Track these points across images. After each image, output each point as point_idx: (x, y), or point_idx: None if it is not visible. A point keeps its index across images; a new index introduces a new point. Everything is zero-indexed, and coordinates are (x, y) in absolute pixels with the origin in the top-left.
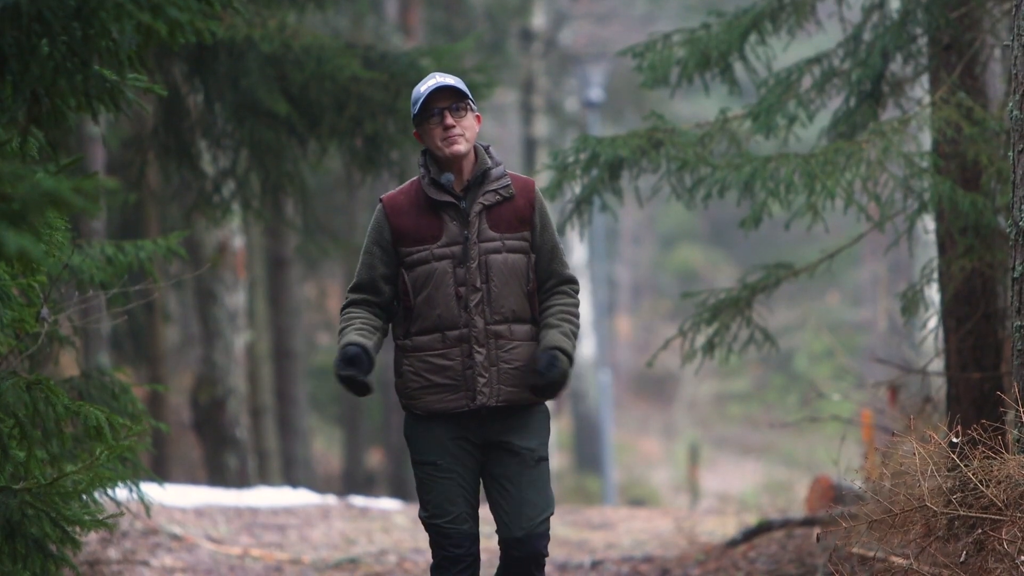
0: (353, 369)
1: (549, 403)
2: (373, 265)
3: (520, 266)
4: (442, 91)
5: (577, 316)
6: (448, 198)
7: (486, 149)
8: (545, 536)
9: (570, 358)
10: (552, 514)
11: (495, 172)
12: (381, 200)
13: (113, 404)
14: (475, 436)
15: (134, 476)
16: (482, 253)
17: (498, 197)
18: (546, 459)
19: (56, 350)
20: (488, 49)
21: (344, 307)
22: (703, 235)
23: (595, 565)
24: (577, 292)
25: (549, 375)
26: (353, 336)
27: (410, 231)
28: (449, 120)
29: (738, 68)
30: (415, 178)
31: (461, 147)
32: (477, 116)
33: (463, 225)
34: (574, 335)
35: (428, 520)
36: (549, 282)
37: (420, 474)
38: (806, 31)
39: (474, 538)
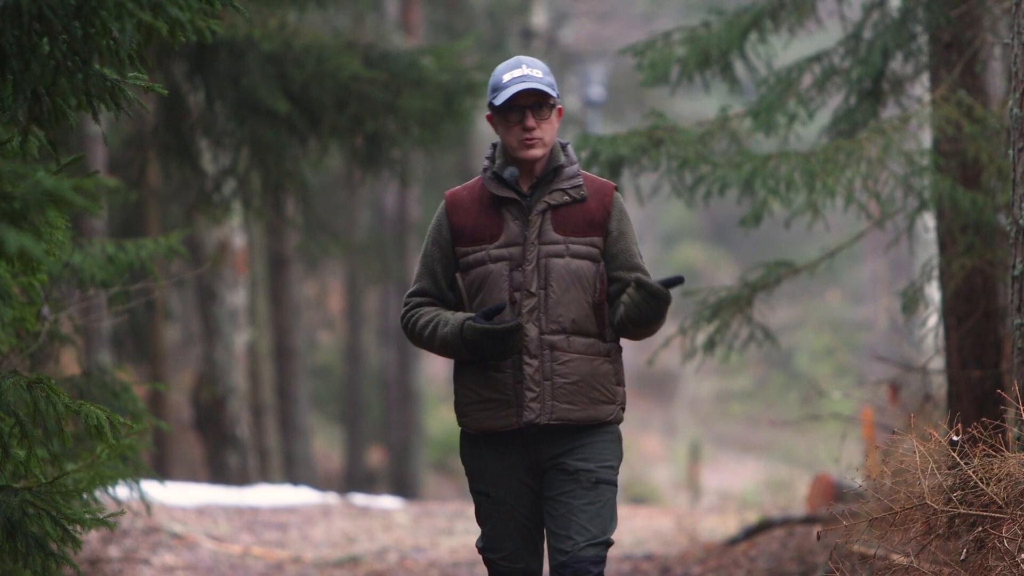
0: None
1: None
2: (433, 269)
3: (586, 273)
4: (528, 92)
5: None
6: (510, 194)
7: (563, 147)
8: (594, 562)
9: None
10: (609, 542)
11: (568, 171)
12: (445, 195)
13: (114, 403)
14: (529, 461)
15: (135, 475)
16: (542, 256)
17: (567, 197)
18: (609, 483)
19: (57, 349)
20: (489, 48)
21: (409, 310)
22: (704, 233)
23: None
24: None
25: (663, 284)
26: (456, 315)
27: (468, 229)
28: (531, 122)
29: (738, 66)
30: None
31: (538, 152)
32: (559, 109)
33: (524, 225)
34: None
35: (483, 552)
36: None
37: (475, 500)
38: (807, 29)
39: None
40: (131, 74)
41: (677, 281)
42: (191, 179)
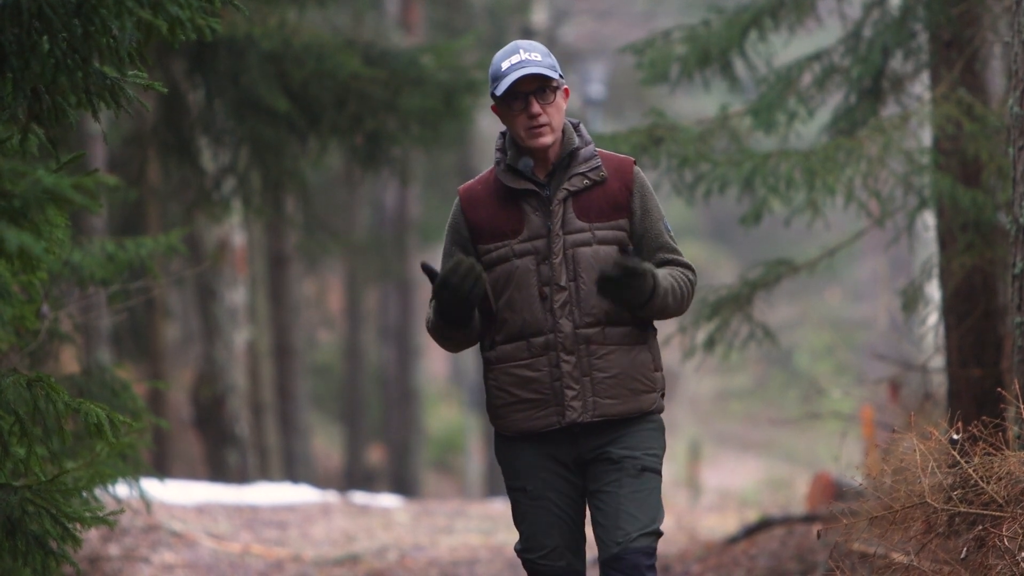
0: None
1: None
2: None
3: (614, 259)
4: (528, 77)
5: (685, 287)
6: (528, 185)
7: (575, 127)
8: (646, 554)
9: (656, 285)
10: (658, 531)
11: (584, 152)
12: (458, 191)
13: (114, 401)
14: (570, 457)
15: (135, 473)
16: (568, 246)
17: (587, 181)
18: (653, 471)
19: (56, 347)
20: (489, 46)
21: (428, 312)
22: (704, 231)
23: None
24: (694, 282)
25: (626, 264)
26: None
27: (487, 225)
28: (535, 108)
29: (738, 65)
30: (493, 164)
31: (548, 139)
32: (565, 90)
33: (546, 215)
34: (673, 289)
35: (521, 554)
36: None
37: (512, 499)
38: (806, 28)
39: (575, 574)
40: (131, 72)
41: (625, 255)
42: (191, 177)
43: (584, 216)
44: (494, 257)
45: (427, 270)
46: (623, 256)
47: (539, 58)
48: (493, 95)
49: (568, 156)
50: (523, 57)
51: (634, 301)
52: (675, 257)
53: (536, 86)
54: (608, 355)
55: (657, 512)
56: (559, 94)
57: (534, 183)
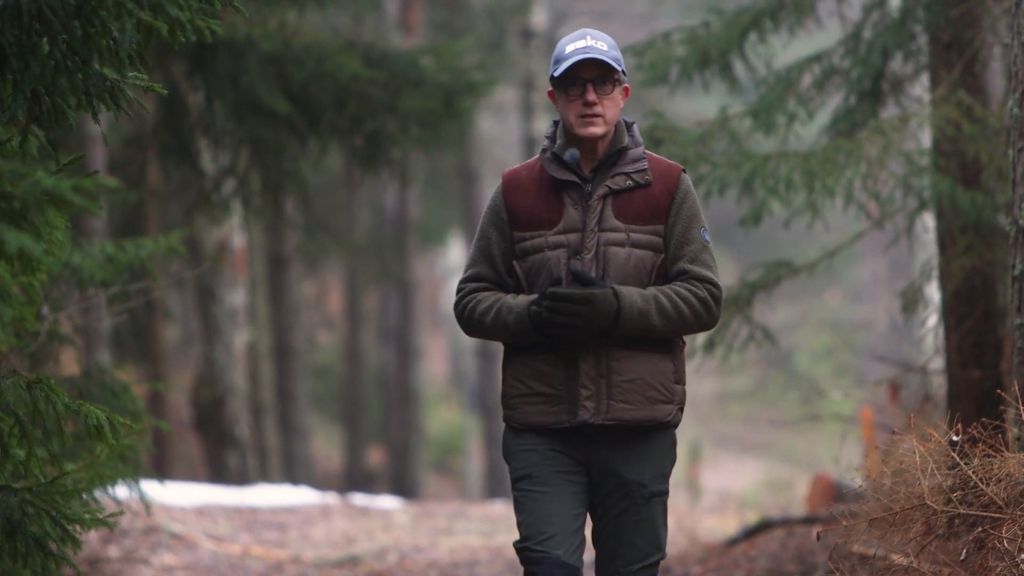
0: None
1: None
2: (490, 252)
3: (646, 265)
4: (590, 63)
5: (684, 303)
6: (571, 177)
7: (628, 127)
8: None
9: (621, 308)
10: (660, 559)
11: (632, 153)
12: (502, 175)
13: (113, 402)
14: (579, 455)
15: (134, 474)
16: (602, 244)
17: (630, 182)
18: (661, 494)
19: (56, 348)
20: (488, 47)
21: (464, 296)
22: None
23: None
24: (714, 295)
25: (580, 279)
26: (518, 299)
27: (526, 213)
28: (591, 96)
29: (738, 66)
30: (539, 152)
31: (599, 130)
32: (625, 89)
33: (585, 210)
34: (661, 307)
35: (518, 545)
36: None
37: (515, 494)
38: (806, 29)
39: (571, 570)
40: (131, 74)
41: (578, 278)
42: (191, 179)
43: (622, 216)
44: (528, 247)
45: (579, 277)
46: (558, 282)
47: (605, 48)
48: (552, 78)
49: (616, 154)
50: (588, 43)
51: (595, 324)
52: (692, 268)
53: (596, 74)
54: (628, 359)
55: (660, 537)
56: (618, 90)
57: (578, 176)
